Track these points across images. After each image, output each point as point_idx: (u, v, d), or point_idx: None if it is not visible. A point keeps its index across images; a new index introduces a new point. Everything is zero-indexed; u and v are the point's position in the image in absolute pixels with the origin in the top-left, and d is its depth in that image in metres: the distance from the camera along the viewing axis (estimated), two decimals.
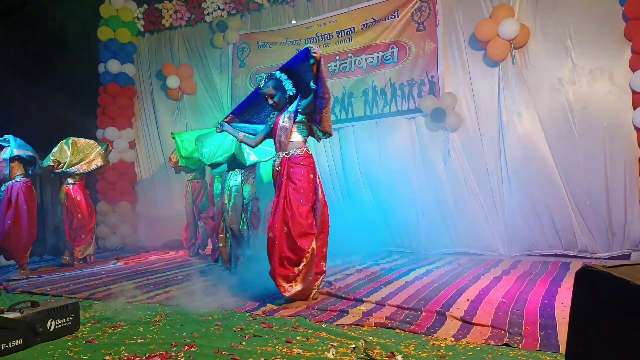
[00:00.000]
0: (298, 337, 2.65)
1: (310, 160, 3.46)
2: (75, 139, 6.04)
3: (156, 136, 7.85)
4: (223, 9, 7.20)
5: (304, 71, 3.37)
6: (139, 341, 2.69)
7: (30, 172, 5.49)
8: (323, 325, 2.89)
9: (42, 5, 7.82)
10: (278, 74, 3.51)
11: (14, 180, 5.32)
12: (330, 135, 3.54)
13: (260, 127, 3.86)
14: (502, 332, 2.62)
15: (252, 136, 3.82)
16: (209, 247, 6.17)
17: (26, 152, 5.41)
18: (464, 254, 5.58)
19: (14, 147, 5.34)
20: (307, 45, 3.21)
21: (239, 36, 7.19)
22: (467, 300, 3.34)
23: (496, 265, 4.83)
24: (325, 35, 6.57)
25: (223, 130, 3.83)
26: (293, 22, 6.85)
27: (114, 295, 4.01)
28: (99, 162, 6.03)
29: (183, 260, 6.08)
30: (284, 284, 3.36)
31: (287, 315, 3.15)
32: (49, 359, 2.48)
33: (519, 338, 2.52)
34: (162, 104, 7.81)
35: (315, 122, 3.45)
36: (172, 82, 7.33)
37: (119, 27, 7.66)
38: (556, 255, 5.17)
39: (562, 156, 5.11)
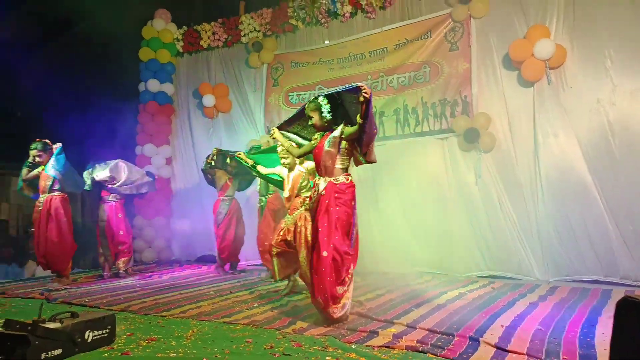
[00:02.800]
0: (327, 358, 2.64)
1: (354, 188, 3.55)
2: (132, 165, 6.38)
3: (191, 153, 8.05)
4: (259, 31, 7.39)
5: (348, 101, 3.49)
6: (171, 355, 2.73)
7: (59, 188, 5.53)
8: (353, 346, 2.87)
9: (87, 28, 8.22)
10: (320, 97, 3.57)
11: (52, 194, 5.46)
12: (373, 162, 3.58)
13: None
14: None
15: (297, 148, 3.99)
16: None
17: (56, 172, 5.42)
18: (498, 277, 5.45)
19: (51, 163, 5.42)
20: (357, 84, 3.25)
21: (273, 56, 7.35)
22: (502, 326, 3.26)
23: (532, 290, 4.69)
24: (358, 55, 6.65)
25: (274, 137, 4.02)
26: (327, 42, 6.97)
27: (149, 308, 4.10)
28: (145, 189, 6.37)
29: (215, 276, 6.16)
30: (333, 305, 3.34)
31: (316, 335, 3.14)
32: None
33: None
34: (198, 122, 8.02)
35: (360, 152, 3.51)
36: (208, 100, 7.54)
37: (160, 47, 7.97)
38: (596, 281, 4.98)
39: (602, 178, 4.97)
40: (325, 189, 3.50)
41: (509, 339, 2.91)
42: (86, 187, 5.91)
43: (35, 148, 5.44)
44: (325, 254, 3.37)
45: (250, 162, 4.99)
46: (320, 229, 3.45)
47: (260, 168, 4.95)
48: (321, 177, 3.58)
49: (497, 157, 5.57)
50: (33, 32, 8.61)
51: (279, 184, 4.82)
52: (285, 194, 4.55)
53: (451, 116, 5.85)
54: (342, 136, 3.50)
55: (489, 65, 5.72)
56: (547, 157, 5.27)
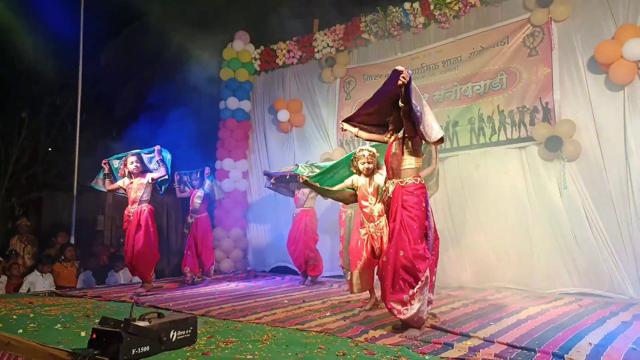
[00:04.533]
0: None
1: (423, 190, 3.43)
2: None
3: (267, 166, 8.31)
4: (332, 46, 7.56)
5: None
6: (248, 357, 2.83)
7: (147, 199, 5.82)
8: (427, 357, 2.81)
9: (175, 54, 8.88)
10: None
11: (141, 205, 5.76)
12: (442, 140, 3.31)
13: None
14: None
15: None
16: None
17: (160, 174, 5.75)
18: (586, 294, 5.07)
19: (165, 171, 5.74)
20: (395, 68, 3.14)
21: (345, 70, 7.48)
22: (590, 344, 3.04)
23: (626, 309, 4.31)
24: (431, 66, 6.58)
25: (344, 130, 3.97)
26: (399, 54, 6.97)
27: (227, 314, 4.28)
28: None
29: (288, 286, 6.29)
30: (398, 307, 3.31)
31: (389, 344, 3.11)
32: None
33: None
34: (273, 137, 8.31)
35: (423, 139, 3.36)
36: (283, 115, 7.80)
37: (238, 67, 8.40)
38: None
39: None
40: (393, 192, 3.48)
41: (598, 358, 2.71)
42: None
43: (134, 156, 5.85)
44: (384, 259, 3.39)
45: (317, 185, 4.68)
46: (391, 234, 3.44)
47: (327, 187, 4.69)
48: (389, 181, 3.56)
49: (583, 166, 5.24)
50: (128, 61, 9.47)
51: (347, 199, 4.69)
52: (370, 199, 4.38)
53: (530, 124, 5.59)
54: (405, 135, 3.43)
55: (572, 69, 5.42)
56: None
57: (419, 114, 3.19)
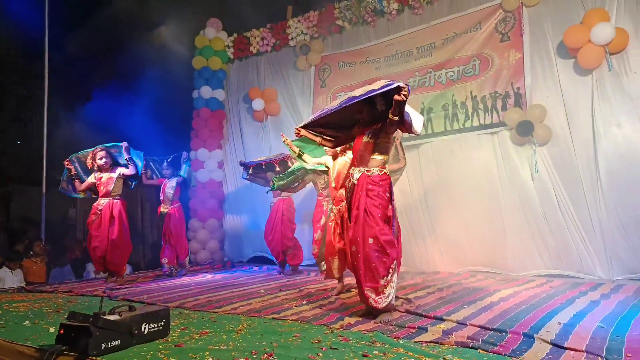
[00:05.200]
0: (375, 352, 2.62)
1: (388, 181, 3.49)
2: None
3: (242, 156, 8.22)
4: (306, 34, 7.48)
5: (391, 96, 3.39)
6: (222, 347, 2.80)
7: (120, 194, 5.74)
8: (401, 342, 2.83)
9: (146, 41, 8.66)
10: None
11: (113, 198, 5.64)
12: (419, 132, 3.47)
13: None
14: (599, 358, 2.40)
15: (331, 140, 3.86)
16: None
17: (137, 160, 5.71)
18: (556, 276, 5.20)
19: (141, 167, 5.70)
20: (399, 84, 3.12)
21: (320, 58, 7.41)
22: (559, 323, 3.11)
23: (594, 289, 4.43)
24: (405, 52, 6.57)
25: (301, 135, 3.86)
26: (374, 41, 6.93)
27: (202, 305, 4.23)
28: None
29: (265, 276, 6.27)
30: (373, 296, 3.34)
31: (364, 330, 3.12)
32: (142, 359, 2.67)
33: None
34: (249, 126, 8.20)
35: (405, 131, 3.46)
36: (258, 104, 7.70)
37: (211, 55, 8.24)
38: None
39: None
40: (358, 179, 3.49)
41: (567, 336, 2.77)
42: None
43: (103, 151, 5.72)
44: (354, 248, 3.40)
45: (297, 150, 4.71)
46: (355, 222, 3.43)
47: (306, 157, 4.73)
48: (355, 168, 3.56)
49: (554, 150, 5.32)
50: (96, 50, 9.20)
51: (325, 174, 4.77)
52: (332, 184, 4.42)
53: (502, 109, 5.65)
54: (383, 129, 3.43)
55: (543, 54, 5.49)
56: (609, 148, 4.98)
57: (408, 118, 3.29)
